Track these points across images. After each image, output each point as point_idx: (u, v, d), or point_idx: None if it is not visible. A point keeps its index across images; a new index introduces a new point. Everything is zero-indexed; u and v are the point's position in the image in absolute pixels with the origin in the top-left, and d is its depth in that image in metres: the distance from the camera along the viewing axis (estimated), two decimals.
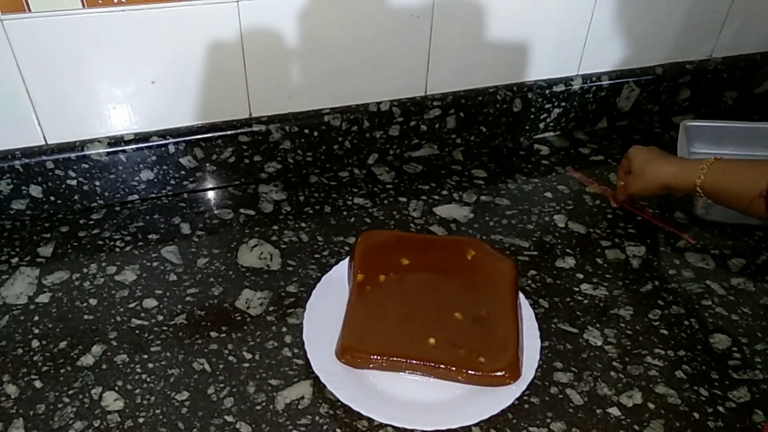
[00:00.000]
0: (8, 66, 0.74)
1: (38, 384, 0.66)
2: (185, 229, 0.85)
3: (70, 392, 0.66)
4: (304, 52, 0.84)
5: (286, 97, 0.87)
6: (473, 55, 0.92)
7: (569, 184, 0.94)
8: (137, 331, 0.72)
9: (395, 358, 0.65)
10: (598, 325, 0.74)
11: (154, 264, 0.79)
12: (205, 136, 0.85)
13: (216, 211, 0.87)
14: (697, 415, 0.66)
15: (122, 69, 0.78)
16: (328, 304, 0.72)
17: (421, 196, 0.91)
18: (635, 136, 1.05)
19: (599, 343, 0.72)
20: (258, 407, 0.65)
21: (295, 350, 0.70)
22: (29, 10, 0.71)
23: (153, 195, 0.88)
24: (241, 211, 0.88)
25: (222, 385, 0.67)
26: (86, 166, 0.83)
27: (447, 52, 0.91)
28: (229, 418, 0.64)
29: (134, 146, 0.83)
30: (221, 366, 0.68)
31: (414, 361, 0.65)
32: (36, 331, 0.71)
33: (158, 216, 0.86)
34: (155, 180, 0.87)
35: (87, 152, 0.82)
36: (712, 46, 1.05)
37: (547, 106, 1.00)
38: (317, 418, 0.64)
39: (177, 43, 0.78)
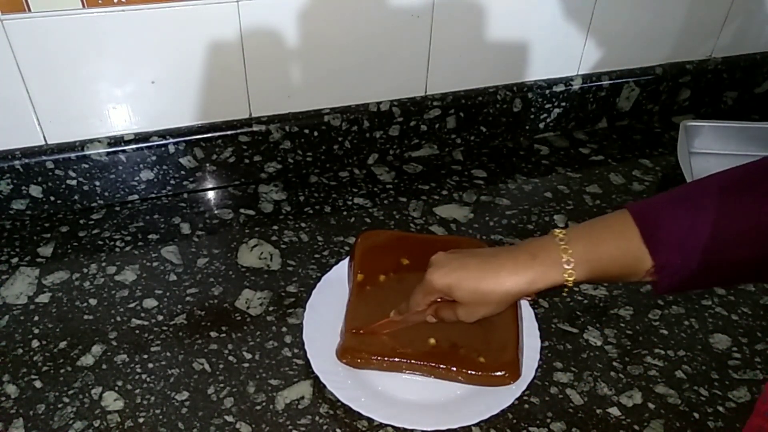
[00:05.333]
0: (8, 66, 0.74)
1: (38, 384, 0.66)
2: (185, 229, 0.85)
3: (70, 392, 0.66)
4: (304, 52, 0.84)
5: (286, 97, 0.87)
6: (473, 55, 0.92)
7: (569, 184, 0.94)
8: (137, 331, 0.72)
9: (395, 359, 0.65)
10: (598, 325, 0.74)
11: (154, 264, 0.79)
12: (205, 136, 0.85)
13: (216, 211, 0.87)
14: (697, 415, 0.66)
15: (122, 69, 0.78)
16: (328, 304, 0.72)
17: (421, 196, 0.91)
18: (635, 136, 1.05)
19: (599, 343, 0.72)
20: (258, 407, 0.65)
21: (295, 350, 0.70)
22: (29, 10, 0.71)
23: (153, 195, 0.88)
24: (241, 211, 0.88)
25: (222, 385, 0.67)
26: (86, 166, 0.83)
27: (447, 52, 0.91)
28: (229, 418, 0.64)
29: (134, 146, 0.83)
30: (221, 366, 0.68)
31: (414, 361, 0.65)
32: (36, 331, 0.71)
33: (158, 216, 0.86)
34: (155, 180, 0.87)
35: (87, 152, 0.82)
36: (712, 46, 1.05)
37: (547, 106, 1.00)
38: (317, 418, 0.64)
39: (177, 43, 0.78)
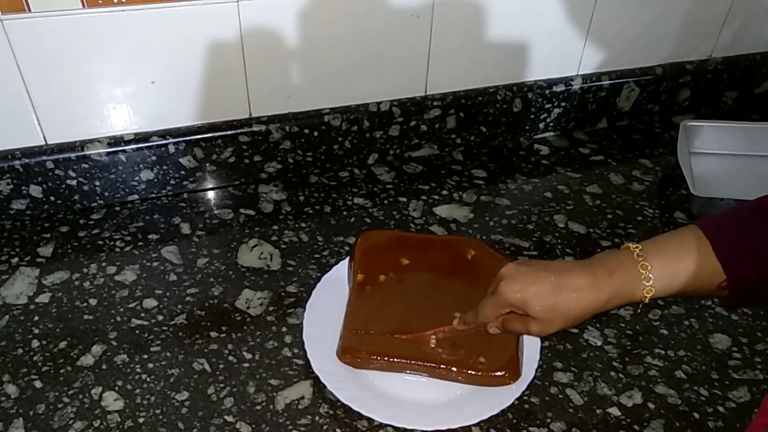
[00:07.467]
0: (8, 66, 0.74)
1: (38, 384, 0.66)
2: (185, 229, 0.85)
3: (70, 392, 0.66)
4: (304, 52, 0.84)
5: (286, 97, 0.87)
6: (473, 55, 0.92)
7: (569, 184, 0.94)
8: (137, 331, 0.72)
9: (396, 359, 0.65)
10: (598, 325, 0.74)
11: (154, 264, 0.79)
12: (205, 136, 0.85)
13: (216, 211, 0.87)
14: (697, 415, 0.66)
15: (122, 69, 0.78)
16: (328, 304, 0.72)
17: (421, 196, 0.91)
18: (635, 136, 1.05)
19: (599, 343, 0.72)
20: (258, 407, 0.65)
21: (295, 350, 0.70)
22: (29, 10, 0.71)
23: (153, 195, 0.88)
24: (241, 211, 0.88)
25: (222, 385, 0.67)
26: (86, 166, 0.83)
27: (447, 52, 0.91)
28: (229, 418, 0.64)
29: (134, 146, 0.83)
30: (221, 366, 0.68)
31: (414, 362, 0.65)
32: (36, 331, 0.71)
33: (158, 216, 0.86)
34: (155, 180, 0.87)
35: (87, 152, 0.82)
36: (712, 46, 1.05)
37: (547, 106, 1.00)
38: (317, 418, 0.64)
39: (177, 43, 0.78)
